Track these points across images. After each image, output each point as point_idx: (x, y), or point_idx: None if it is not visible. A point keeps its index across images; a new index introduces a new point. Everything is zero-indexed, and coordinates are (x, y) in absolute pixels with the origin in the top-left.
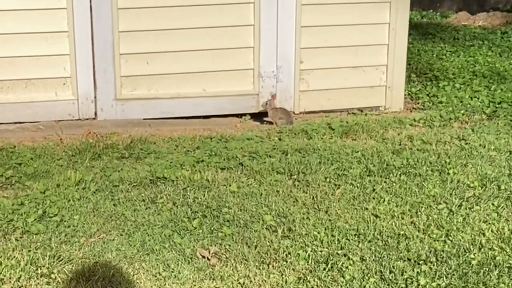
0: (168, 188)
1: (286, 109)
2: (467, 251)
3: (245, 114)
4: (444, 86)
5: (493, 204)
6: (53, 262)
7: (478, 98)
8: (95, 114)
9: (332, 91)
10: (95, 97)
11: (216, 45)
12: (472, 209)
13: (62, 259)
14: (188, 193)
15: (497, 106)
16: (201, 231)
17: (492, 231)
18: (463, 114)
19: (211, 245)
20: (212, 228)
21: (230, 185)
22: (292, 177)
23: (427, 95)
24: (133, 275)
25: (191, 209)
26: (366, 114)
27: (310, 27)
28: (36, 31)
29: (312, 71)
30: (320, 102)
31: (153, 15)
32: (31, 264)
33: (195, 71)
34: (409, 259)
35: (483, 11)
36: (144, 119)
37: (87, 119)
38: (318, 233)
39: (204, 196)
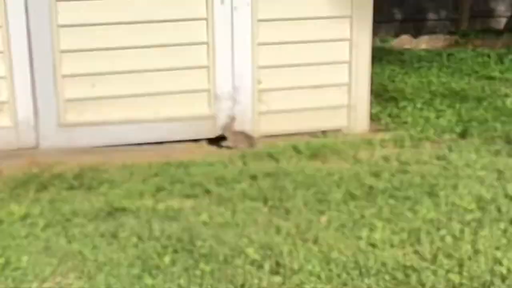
0: (129, 220)
1: (247, 132)
2: (490, 284)
3: (201, 139)
4: (404, 106)
5: (499, 229)
6: None
7: (445, 118)
8: (37, 142)
9: (293, 113)
10: (36, 124)
11: (168, 65)
12: (477, 235)
13: None
14: (154, 225)
15: (466, 124)
16: (175, 269)
17: (509, 259)
18: (433, 134)
19: (189, 286)
20: (187, 265)
21: (200, 215)
22: (268, 204)
23: (389, 115)
24: None
25: (160, 244)
26: (330, 138)
27: (267, 44)
28: None
29: (271, 92)
30: (281, 125)
31: (97, 32)
32: None
33: (146, 93)
34: None
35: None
36: (92, 147)
37: (28, 148)
38: (313, 267)
39: (172, 227)
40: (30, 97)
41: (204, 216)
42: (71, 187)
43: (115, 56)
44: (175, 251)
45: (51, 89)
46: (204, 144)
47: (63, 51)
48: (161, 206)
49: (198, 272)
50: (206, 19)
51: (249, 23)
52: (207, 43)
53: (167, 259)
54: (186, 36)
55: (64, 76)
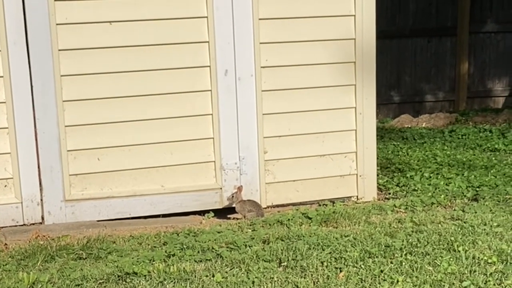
0: (142, 282)
1: (255, 201)
2: None
3: (208, 211)
4: (412, 176)
5: None
6: None
7: (455, 184)
8: (42, 218)
9: (300, 182)
10: (41, 199)
11: (173, 137)
12: (502, 285)
13: None
14: (167, 286)
15: (477, 189)
16: None
17: None
18: (444, 199)
19: None
20: None
21: (213, 276)
22: (282, 264)
23: (397, 185)
24: None
25: None
26: (339, 205)
27: (272, 114)
28: None
29: (277, 162)
30: (288, 195)
31: (102, 107)
32: None
33: (151, 166)
34: None
35: None
36: (98, 221)
37: (33, 223)
38: None
39: None
40: (35, 173)
41: (218, 277)
42: (79, 257)
43: (120, 130)
44: None
45: (56, 164)
46: (211, 215)
47: (67, 126)
48: (173, 269)
49: None
50: (210, 90)
51: (253, 94)
52: (211, 115)
53: None
54: (190, 108)
55: (69, 150)
